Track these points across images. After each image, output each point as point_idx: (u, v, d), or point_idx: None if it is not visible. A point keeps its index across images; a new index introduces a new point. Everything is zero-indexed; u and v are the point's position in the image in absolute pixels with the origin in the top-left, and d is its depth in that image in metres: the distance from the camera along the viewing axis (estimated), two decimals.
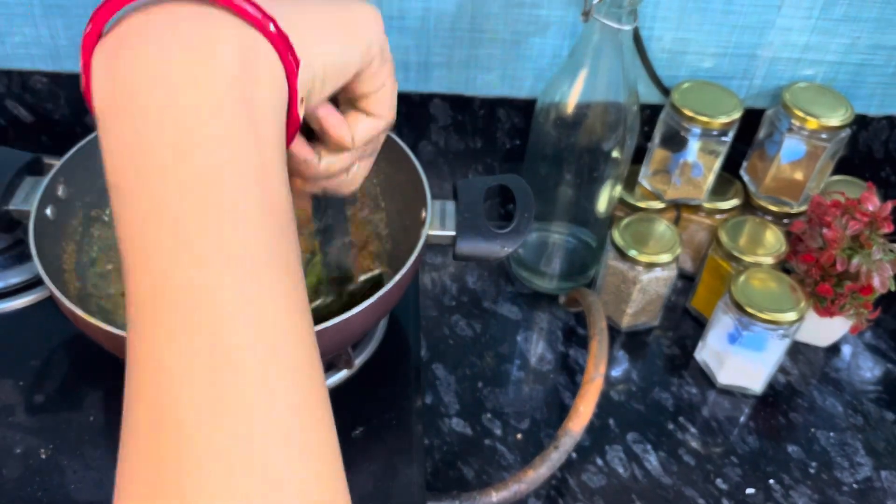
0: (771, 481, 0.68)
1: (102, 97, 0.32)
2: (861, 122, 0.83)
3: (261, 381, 0.29)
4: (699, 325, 0.80)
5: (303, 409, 0.30)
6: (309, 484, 0.29)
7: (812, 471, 0.69)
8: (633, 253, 0.72)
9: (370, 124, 0.43)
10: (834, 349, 0.79)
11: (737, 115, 0.74)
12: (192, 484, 0.27)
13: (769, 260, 0.74)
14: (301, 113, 0.36)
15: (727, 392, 0.75)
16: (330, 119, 0.41)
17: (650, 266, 0.73)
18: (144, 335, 0.29)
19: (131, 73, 0.31)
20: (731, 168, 0.81)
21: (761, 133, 0.78)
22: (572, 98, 0.69)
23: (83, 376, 0.66)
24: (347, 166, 0.45)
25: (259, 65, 0.32)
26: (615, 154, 0.71)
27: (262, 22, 0.32)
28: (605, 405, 0.72)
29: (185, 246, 0.29)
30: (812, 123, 0.73)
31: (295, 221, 0.33)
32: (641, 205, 0.80)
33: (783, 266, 0.76)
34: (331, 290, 0.65)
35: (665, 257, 0.72)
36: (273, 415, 0.29)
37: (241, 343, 0.29)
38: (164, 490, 0.27)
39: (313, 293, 0.69)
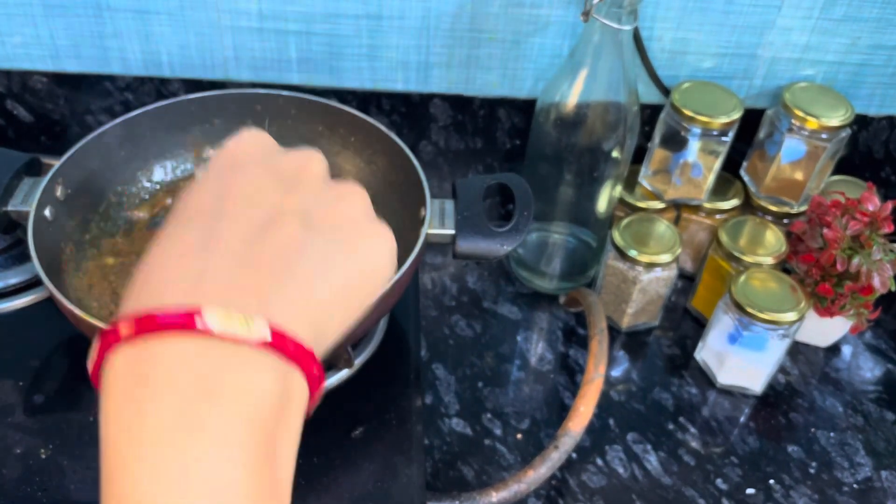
0: (771, 481, 0.68)
1: (116, 419, 0.28)
2: (861, 122, 0.83)
3: None
4: (699, 326, 0.80)
5: None
6: None
7: (812, 471, 0.69)
8: (633, 253, 0.72)
9: None
10: (834, 349, 0.79)
11: (737, 115, 0.74)
12: None
13: (769, 260, 0.74)
14: (317, 402, 0.33)
15: (727, 392, 0.75)
16: None
17: (650, 266, 0.73)
18: None
19: (153, 414, 0.28)
20: (731, 168, 0.81)
21: (761, 133, 0.78)
22: (572, 98, 0.69)
23: (83, 376, 0.66)
24: None
25: (290, 399, 0.30)
26: (615, 154, 0.71)
27: (300, 360, 0.30)
28: (605, 405, 0.72)
29: None
30: (812, 123, 0.73)
31: None
32: (641, 205, 0.80)
33: (783, 266, 0.76)
34: None
35: (665, 257, 0.72)
36: None
37: None
38: None
39: None
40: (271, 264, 0.31)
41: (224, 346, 0.28)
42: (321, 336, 0.32)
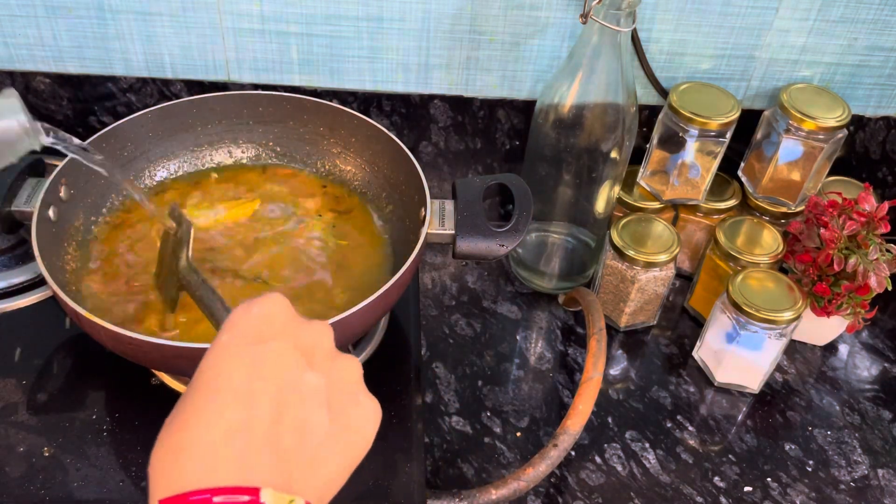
0: (768, 479, 0.68)
1: None
2: (858, 123, 0.83)
3: None
4: (697, 325, 0.80)
5: None
6: None
7: (809, 469, 0.69)
8: (631, 253, 0.73)
9: None
10: (831, 348, 0.80)
11: (734, 115, 0.74)
12: None
13: (766, 260, 0.74)
14: None
15: (725, 391, 0.75)
16: None
17: (648, 266, 0.73)
18: None
19: None
20: (728, 169, 0.82)
21: (759, 134, 0.79)
22: (571, 99, 0.69)
23: (85, 375, 0.67)
24: None
25: None
26: (614, 155, 0.71)
27: None
28: (604, 404, 0.73)
29: None
30: (809, 124, 0.74)
31: None
32: (640, 205, 0.80)
33: (780, 266, 0.77)
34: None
35: (663, 257, 0.73)
36: None
37: None
38: None
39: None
40: (301, 450, 0.36)
41: None
42: (325, 499, 0.38)
